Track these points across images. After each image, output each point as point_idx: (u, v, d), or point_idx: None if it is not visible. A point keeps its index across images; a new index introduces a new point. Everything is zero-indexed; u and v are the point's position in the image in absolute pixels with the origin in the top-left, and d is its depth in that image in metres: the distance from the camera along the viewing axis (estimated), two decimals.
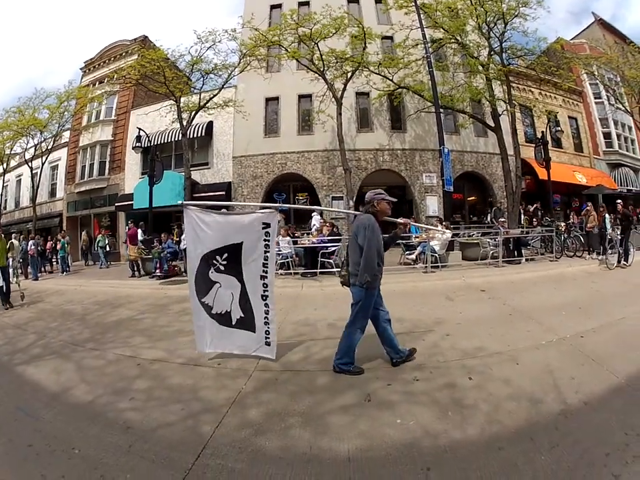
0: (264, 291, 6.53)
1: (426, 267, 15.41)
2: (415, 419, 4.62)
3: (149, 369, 6.96)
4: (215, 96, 24.18)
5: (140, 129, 22.61)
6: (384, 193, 6.21)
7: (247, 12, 25.89)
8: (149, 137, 24.52)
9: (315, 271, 15.42)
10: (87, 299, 14.84)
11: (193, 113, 24.01)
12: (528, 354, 6.47)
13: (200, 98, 24.23)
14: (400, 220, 6.75)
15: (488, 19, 21.06)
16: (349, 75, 22.51)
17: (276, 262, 15.21)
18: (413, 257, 16.43)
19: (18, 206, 42.58)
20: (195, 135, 27.90)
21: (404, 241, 16.95)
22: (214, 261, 6.58)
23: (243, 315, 6.65)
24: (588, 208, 19.41)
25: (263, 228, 6.41)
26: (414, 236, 17.18)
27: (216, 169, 28.94)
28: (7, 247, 15.88)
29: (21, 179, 42.25)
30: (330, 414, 4.81)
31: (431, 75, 19.94)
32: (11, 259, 17.09)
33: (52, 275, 24.30)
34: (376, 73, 22.65)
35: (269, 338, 6.67)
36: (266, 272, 6.51)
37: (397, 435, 4.33)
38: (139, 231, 22.38)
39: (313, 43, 21.90)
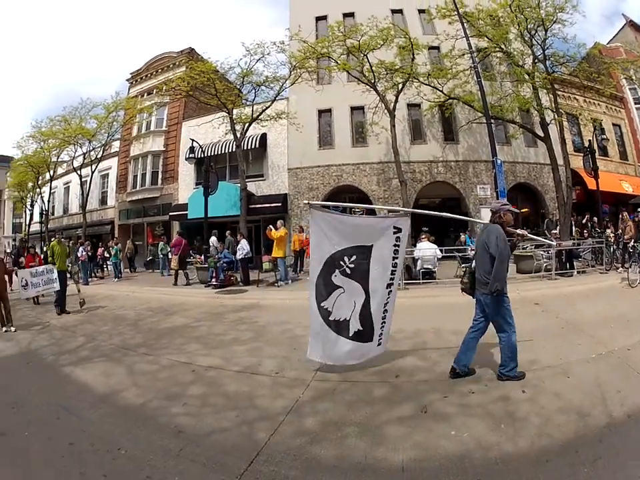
0: (387, 299, 6.46)
1: None
2: (469, 430, 4.60)
3: (204, 376, 7.00)
4: (267, 108, 24.19)
5: (193, 140, 22.90)
6: (508, 204, 6.30)
7: (293, 24, 26.05)
8: (202, 148, 24.74)
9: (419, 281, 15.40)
10: (139, 305, 15.05)
11: (247, 124, 24.14)
12: (578, 367, 6.38)
13: (252, 110, 24.28)
14: (519, 231, 6.87)
15: (529, 26, 20.89)
16: (400, 86, 22.33)
17: None
18: None
19: (66, 212, 43.77)
20: (249, 147, 27.91)
21: (460, 254, 16.96)
22: (341, 262, 6.36)
23: (361, 328, 6.47)
24: (623, 217, 18.90)
25: (394, 232, 6.32)
26: (470, 248, 17.12)
27: (271, 180, 28.83)
28: (68, 251, 15.95)
29: (69, 186, 43.32)
30: (387, 424, 4.76)
31: (480, 85, 19.44)
32: (70, 265, 17.09)
33: (103, 281, 24.74)
34: (426, 84, 22.44)
35: (381, 339, 6.61)
36: (392, 279, 6.42)
37: (451, 446, 4.30)
38: (213, 238, 22.37)
39: (362, 55, 21.84)
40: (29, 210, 44.89)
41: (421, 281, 15.84)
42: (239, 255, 18.45)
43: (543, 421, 4.77)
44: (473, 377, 6.21)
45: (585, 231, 22.40)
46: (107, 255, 27.38)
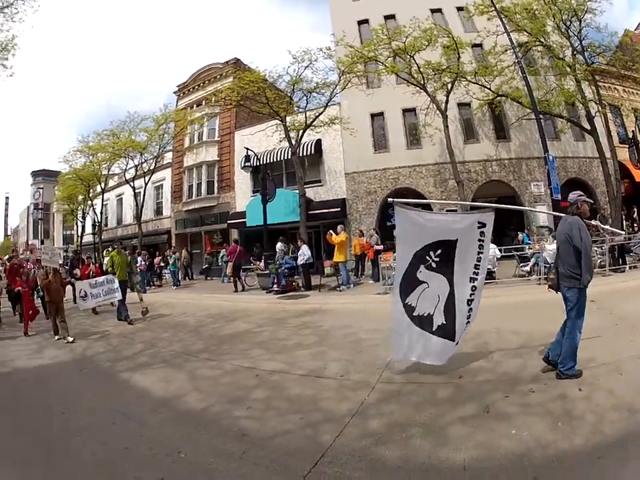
0: (470, 295, 6.39)
1: (539, 278, 14.86)
2: (528, 429, 4.59)
3: (267, 380, 7.05)
4: (320, 114, 24.11)
5: (248, 149, 23.30)
6: (584, 195, 6.21)
7: (336, 29, 26.21)
8: (257, 157, 25.08)
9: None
10: (199, 312, 15.20)
11: (301, 131, 24.16)
12: (631, 364, 6.31)
13: (306, 117, 24.28)
14: (593, 222, 6.85)
15: (563, 17, 20.81)
16: (449, 86, 22.22)
17: (394, 277, 15.45)
18: (527, 268, 16.00)
19: (120, 223, 44.97)
20: (305, 153, 27.77)
21: (518, 253, 16.74)
22: (427, 257, 6.38)
23: (445, 322, 6.45)
24: None
25: (479, 227, 6.27)
26: (527, 247, 16.93)
27: (329, 185, 28.83)
28: (129, 260, 16.04)
29: (122, 198, 44.55)
30: (450, 425, 4.77)
31: (526, 81, 19.31)
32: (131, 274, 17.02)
33: (161, 289, 25.24)
34: (474, 83, 22.32)
35: (459, 338, 6.54)
36: (476, 274, 6.38)
37: (511, 445, 4.32)
38: (280, 244, 22.04)
39: (409, 56, 21.77)
40: (81, 222, 46.27)
41: (491, 281, 15.33)
42: (300, 261, 18.55)
43: (597, 419, 4.78)
44: (533, 375, 6.18)
45: (635, 225, 21.96)
46: (163, 264, 28.07)
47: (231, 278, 21.78)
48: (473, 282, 6.35)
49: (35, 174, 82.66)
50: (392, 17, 27.82)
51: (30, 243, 44.86)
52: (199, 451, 4.78)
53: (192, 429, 5.38)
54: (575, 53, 21.38)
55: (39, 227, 70.34)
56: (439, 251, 6.32)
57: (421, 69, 21.77)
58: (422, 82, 21.98)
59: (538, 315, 9.87)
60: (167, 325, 13.19)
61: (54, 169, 63.91)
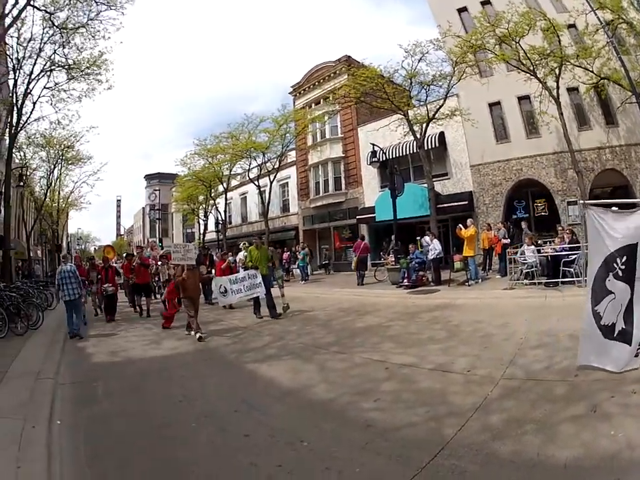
0: None
1: None
2: (624, 431, 4.46)
3: (397, 373, 7.10)
4: (441, 107, 23.93)
5: (374, 145, 23.44)
6: None
7: (438, 19, 26.18)
8: (383, 152, 25.18)
9: (557, 280, 14.44)
10: (329, 306, 15.58)
11: (424, 124, 23.95)
12: None
13: (427, 109, 24.06)
14: None
15: None
16: (557, 71, 21.06)
17: (521, 271, 14.98)
18: None
19: (245, 220, 46.87)
20: (430, 147, 27.41)
21: None
22: (614, 265, 5.93)
23: (624, 327, 5.97)
24: None
25: None
26: None
27: (455, 178, 28.26)
28: (270, 255, 15.73)
29: (246, 196, 46.32)
30: (561, 423, 4.70)
31: (620, 61, 18.17)
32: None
33: (289, 284, 25.29)
34: (577, 66, 20.94)
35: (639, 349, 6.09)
36: None
37: (607, 445, 4.21)
38: (426, 237, 21.27)
39: (514, 42, 20.99)
40: (203, 220, 48.64)
41: None
42: (431, 255, 18.42)
43: None
44: (638, 376, 5.83)
45: None
46: (299, 259, 28.59)
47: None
48: None
49: (150, 177, 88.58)
50: (488, 2, 26.48)
51: (151, 240, 46.93)
52: (322, 440, 4.90)
53: (317, 419, 5.54)
54: None
55: (157, 226, 75.39)
56: (624, 257, 5.89)
57: (528, 55, 20.84)
58: (531, 68, 21.09)
59: None
60: (296, 319, 13.50)
61: (168, 172, 67.48)
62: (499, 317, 10.73)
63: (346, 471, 4.16)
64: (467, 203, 26.58)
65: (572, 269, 14.32)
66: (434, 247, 18.32)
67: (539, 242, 17.89)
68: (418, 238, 23.07)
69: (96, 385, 8.03)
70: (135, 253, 19.89)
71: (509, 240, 19.18)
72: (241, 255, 19.48)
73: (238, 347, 10.44)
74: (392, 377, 6.93)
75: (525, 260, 15.43)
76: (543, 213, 25.11)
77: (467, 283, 17.36)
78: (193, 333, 11.89)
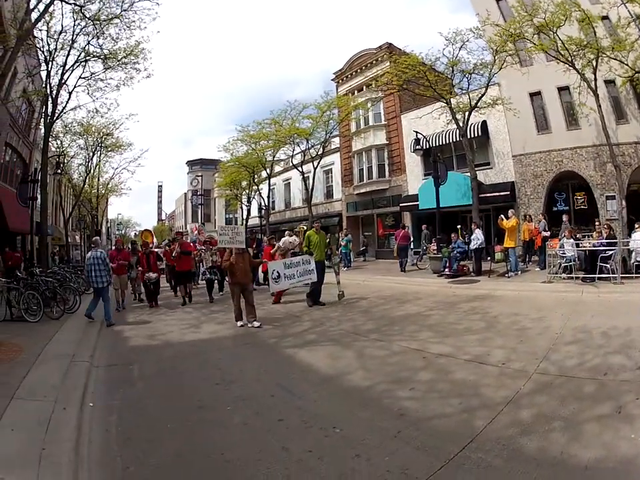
0: None
1: None
2: None
3: (434, 363, 7.19)
4: (483, 95, 23.84)
5: (417, 132, 23.48)
6: None
7: (476, 7, 26.03)
8: (427, 139, 25.15)
9: (594, 276, 14.20)
10: (371, 293, 15.67)
11: (467, 113, 23.93)
12: None
13: (469, 98, 24.05)
14: None
15: None
16: (594, 62, 20.56)
17: (560, 265, 14.88)
18: None
19: (288, 206, 47.34)
20: (472, 135, 27.10)
21: None
22: None
23: None
24: None
25: None
26: None
27: (498, 168, 28.08)
28: (327, 240, 15.43)
29: (289, 182, 46.92)
30: (586, 422, 4.68)
31: None
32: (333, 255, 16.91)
33: (330, 270, 25.78)
34: (612, 58, 20.38)
35: None
36: None
37: (626, 449, 4.14)
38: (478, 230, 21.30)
39: (552, 32, 20.63)
40: (246, 206, 49.01)
41: (634, 275, 14.39)
42: (473, 245, 18.52)
43: None
44: None
45: None
46: (342, 245, 28.45)
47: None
48: None
49: (192, 163, 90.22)
50: None
51: (197, 225, 47.53)
52: (355, 427, 5.00)
53: (352, 406, 5.65)
54: None
55: (199, 211, 76.57)
56: None
57: (566, 45, 20.46)
58: (569, 59, 20.72)
59: None
60: (337, 305, 13.59)
61: (210, 158, 68.15)
62: (536, 310, 10.75)
63: (375, 458, 4.25)
64: (508, 193, 26.37)
65: (608, 265, 14.09)
66: (476, 237, 18.41)
67: (578, 236, 17.77)
68: (458, 227, 23.38)
69: (131, 368, 8.29)
70: (174, 239, 20.30)
71: (549, 232, 19.05)
72: (284, 240, 18.99)
73: (278, 332, 10.60)
74: (428, 367, 7.02)
75: (564, 254, 15.31)
76: (582, 207, 24.80)
77: (506, 275, 17.34)
78: (242, 324, 11.44)
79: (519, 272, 17.63)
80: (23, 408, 5.92)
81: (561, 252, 15.44)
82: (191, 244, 19.77)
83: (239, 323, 11.39)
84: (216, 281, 17.63)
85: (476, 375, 6.43)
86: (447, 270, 19.01)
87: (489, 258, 19.95)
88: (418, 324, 10.29)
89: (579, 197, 25.11)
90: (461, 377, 6.41)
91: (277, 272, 13.51)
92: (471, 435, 4.53)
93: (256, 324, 11.15)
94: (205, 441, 4.97)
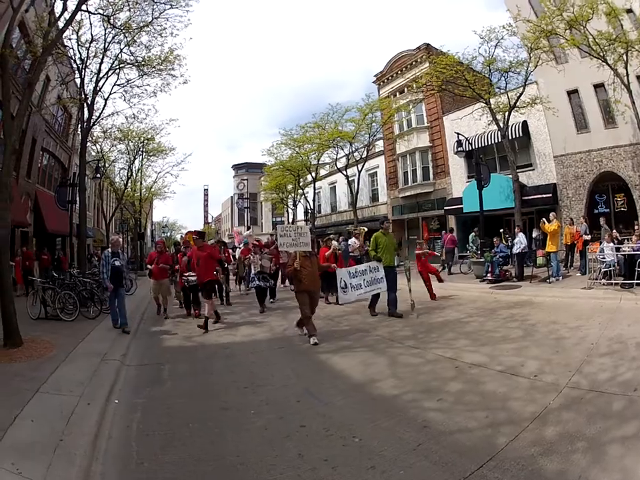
0: None
1: None
2: None
3: (466, 373, 7.12)
4: (521, 94, 23.38)
5: (458, 134, 23.26)
6: None
7: (507, 3, 25.62)
8: (469, 141, 24.98)
9: (632, 282, 13.81)
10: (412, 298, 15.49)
11: (506, 113, 23.68)
12: None
13: (508, 97, 23.77)
14: None
15: None
16: (625, 57, 19.95)
17: (599, 270, 14.56)
18: None
19: (334, 210, 47.41)
20: (513, 136, 26.84)
21: None
22: None
23: None
24: None
25: None
26: None
27: (540, 170, 27.43)
28: (398, 243, 14.25)
29: (335, 186, 46.96)
30: (610, 443, 4.48)
31: None
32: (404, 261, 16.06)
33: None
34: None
35: None
36: None
37: None
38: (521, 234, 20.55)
39: (582, 27, 20.20)
40: (292, 209, 49.76)
41: None
42: (516, 249, 18.33)
43: None
44: None
45: None
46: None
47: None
48: None
49: (237, 167, 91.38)
50: None
51: (249, 230, 48.10)
52: (375, 437, 4.96)
53: (376, 415, 5.61)
54: None
55: (245, 214, 77.31)
56: None
57: (596, 40, 19.97)
58: (601, 54, 20.20)
59: None
60: (377, 310, 12.98)
61: (256, 162, 68.92)
62: (574, 318, 10.58)
63: (390, 471, 4.23)
64: (550, 195, 25.88)
65: None
66: (519, 241, 18.19)
67: (619, 238, 17.26)
68: (501, 230, 23.19)
69: (162, 368, 8.51)
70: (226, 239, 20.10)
71: (589, 236, 18.80)
72: (353, 240, 18.99)
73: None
74: (459, 377, 6.96)
75: (604, 258, 14.96)
76: (622, 209, 24.08)
77: (548, 280, 17.03)
78: (304, 333, 10.36)
79: (560, 277, 17.31)
80: (46, 402, 6.18)
81: (601, 257, 15.08)
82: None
83: (313, 340, 9.78)
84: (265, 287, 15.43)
85: (506, 387, 6.33)
86: (489, 275, 18.78)
87: (530, 263, 19.70)
88: (456, 331, 10.22)
89: (619, 199, 24.49)
90: (491, 389, 6.32)
91: (344, 281, 12.15)
92: (491, 453, 4.44)
93: (313, 340, 9.78)
94: (224, 442, 5.08)
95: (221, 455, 4.76)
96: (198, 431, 5.42)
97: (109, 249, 12.45)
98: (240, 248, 20.75)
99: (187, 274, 14.02)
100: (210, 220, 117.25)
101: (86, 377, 7.46)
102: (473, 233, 23.30)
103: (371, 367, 7.75)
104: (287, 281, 20.65)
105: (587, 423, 4.96)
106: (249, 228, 55.33)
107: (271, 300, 16.47)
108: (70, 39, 19.71)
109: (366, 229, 21.11)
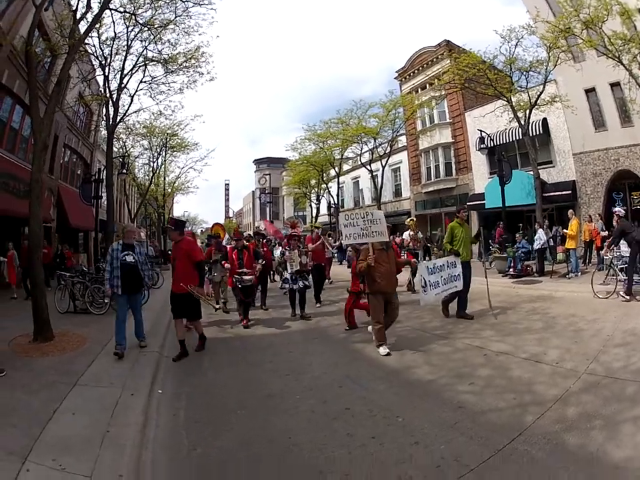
0: None
1: None
2: None
3: (493, 360, 7.54)
4: (542, 93, 23.60)
5: (481, 131, 23.57)
6: None
7: (526, 3, 25.94)
8: (491, 138, 25.02)
9: None
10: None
11: (527, 111, 23.89)
12: None
13: (529, 95, 23.92)
14: None
15: None
16: (639, 57, 20.01)
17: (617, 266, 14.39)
18: None
19: (357, 205, 47.38)
20: (534, 133, 27.14)
21: None
22: None
23: None
24: None
25: None
26: None
27: (559, 167, 27.82)
28: (475, 235, 12.76)
29: (358, 181, 47.33)
30: (624, 422, 4.88)
31: None
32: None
33: None
34: None
35: None
36: None
37: None
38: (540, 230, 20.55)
39: (598, 28, 20.34)
40: (315, 204, 49.71)
41: None
42: (537, 245, 18.62)
43: None
44: None
45: None
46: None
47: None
48: None
49: (259, 162, 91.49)
50: None
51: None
52: (416, 417, 5.39)
53: (415, 398, 6.05)
54: None
55: (268, 209, 76.76)
56: None
57: (611, 40, 20.06)
58: (616, 54, 20.24)
59: None
60: (405, 302, 12.83)
61: (277, 157, 68.88)
62: (591, 312, 10.94)
63: (432, 446, 4.64)
64: (570, 192, 26.17)
65: None
66: (539, 237, 18.49)
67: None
68: (520, 226, 23.66)
69: (202, 359, 8.77)
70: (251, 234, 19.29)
71: (606, 232, 18.93)
72: (407, 233, 18.92)
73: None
74: (488, 363, 7.40)
75: (620, 255, 14.97)
76: (638, 206, 24.16)
77: (567, 276, 17.43)
78: (375, 344, 8.65)
79: (579, 273, 17.56)
80: (86, 394, 6.33)
81: (617, 253, 15.01)
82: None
83: (383, 350, 8.32)
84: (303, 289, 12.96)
85: (531, 373, 6.74)
86: (511, 270, 19.15)
87: (551, 259, 19.92)
88: (481, 323, 10.59)
89: (636, 197, 24.58)
90: (517, 374, 6.74)
91: (423, 279, 10.27)
92: (520, 429, 4.87)
93: (383, 350, 8.32)
94: (272, 426, 5.40)
95: (272, 438, 5.07)
96: (245, 417, 5.75)
97: (120, 241, 9.67)
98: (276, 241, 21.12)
99: (239, 271, 11.93)
100: (231, 214, 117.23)
101: (125, 368, 7.63)
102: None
103: (405, 356, 8.14)
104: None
105: (603, 405, 5.38)
106: (271, 222, 55.97)
107: (317, 305, 14.50)
108: (91, 37, 19.29)
109: (414, 219, 21.22)
